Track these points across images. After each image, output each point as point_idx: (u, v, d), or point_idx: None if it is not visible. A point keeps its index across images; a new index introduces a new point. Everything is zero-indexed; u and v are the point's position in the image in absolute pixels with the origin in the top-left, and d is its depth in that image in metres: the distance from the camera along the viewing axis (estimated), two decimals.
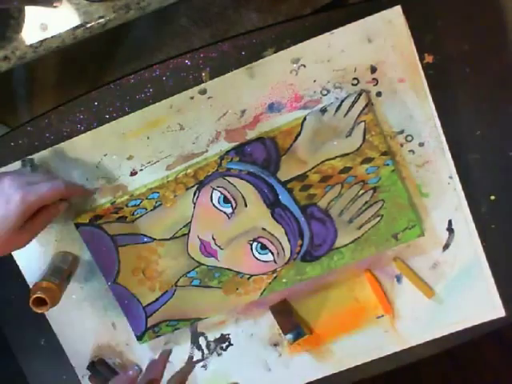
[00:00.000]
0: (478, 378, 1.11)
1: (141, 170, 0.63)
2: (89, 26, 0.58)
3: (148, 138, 0.62)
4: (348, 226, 0.62)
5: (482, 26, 0.61)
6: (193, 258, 0.64)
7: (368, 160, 0.60)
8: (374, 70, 0.60)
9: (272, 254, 0.63)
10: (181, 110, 0.62)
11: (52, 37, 0.58)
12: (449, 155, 0.63)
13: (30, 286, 0.66)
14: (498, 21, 0.61)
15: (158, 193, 0.62)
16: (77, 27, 0.58)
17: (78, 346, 0.69)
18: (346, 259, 0.63)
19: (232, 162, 0.60)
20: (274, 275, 0.64)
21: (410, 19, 0.59)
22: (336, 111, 0.59)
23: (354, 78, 0.61)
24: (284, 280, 0.64)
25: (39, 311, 0.60)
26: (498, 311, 0.68)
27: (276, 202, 0.61)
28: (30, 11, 0.57)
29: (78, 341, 0.69)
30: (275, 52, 0.60)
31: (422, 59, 0.61)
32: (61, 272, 0.64)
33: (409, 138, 0.63)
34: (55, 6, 0.57)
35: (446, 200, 0.65)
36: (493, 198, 0.65)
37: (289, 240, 0.62)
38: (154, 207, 0.62)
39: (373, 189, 0.61)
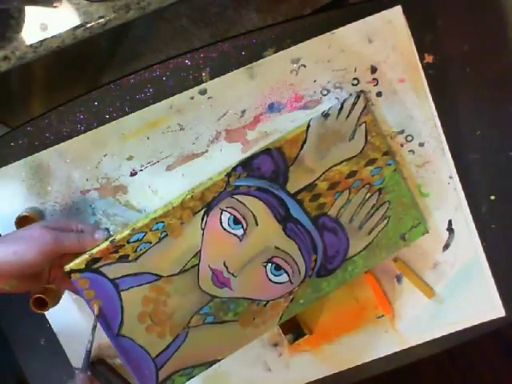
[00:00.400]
0: (477, 378, 1.12)
1: (141, 170, 0.63)
2: (89, 26, 0.58)
3: (148, 138, 0.62)
4: (359, 232, 0.60)
5: (482, 26, 0.61)
6: (205, 292, 0.58)
7: (371, 162, 0.60)
8: (374, 70, 0.60)
9: (287, 274, 0.59)
10: (181, 110, 0.62)
11: (52, 37, 0.58)
12: (449, 155, 0.63)
13: None
14: (498, 21, 0.61)
15: (162, 222, 0.56)
16: (77, 27, 0.58)
17: (78, 346, 0.69)
18: (359, 268, 0.61)
19: (240, 179, 0.57)
20: (291, 297, 0.60)
21: (410, 19, 0.59)
22: (338, 114, 0.58)
23: (354, 78, 0.61)
24: (301, 301, 0.61)
25: (39, 311, 0.60)
26: (498, 311, 0.68)
27: (287, 216, 0.58)
28: (30, 11, 0.57)
29: (78, 341, 0.69)
30: (275, 52, 0.60)
31: (422, 59, 0.61)
32: None
33: (409, 138, 0.63)
34: (55, 6, 0.57)
35: (446, 200, 0.65)
36: (493, 198, 0.65)
37: (303, 256, 0.59)
38: (160, 239, 0.57)
39: (378, 191, 0.60)
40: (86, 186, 0.64)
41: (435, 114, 0.62)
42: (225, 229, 0.57)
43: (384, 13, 0.59)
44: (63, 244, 0.53)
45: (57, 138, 0.63)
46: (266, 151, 0.57)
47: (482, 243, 0.66)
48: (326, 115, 0.58)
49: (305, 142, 0.58)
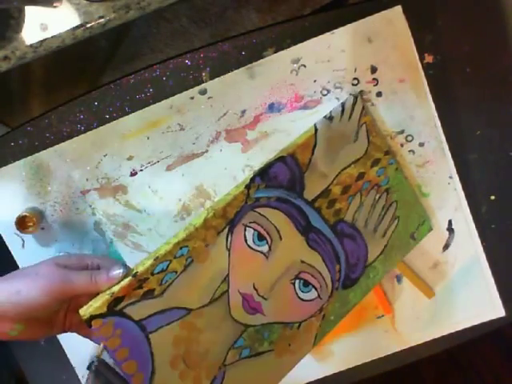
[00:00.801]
0: (478, 378, 1.12)
1: (141, 170, 0.63)
2: (89, 26, 0.58)
3: (148, 138, 0.62)
4: (374, 235, 0.60)
5: (482, 26, 0.61)
6: (237, 321, 0.54)
7: (376, 162, 0.60)
8: (374, 70, 0.60)
9: (315, 289, 0.57)
10: (181, 110, 0.62)
11: (52, 37, 0.58)
12: (449, 155, 0.63)
13: None
14: (498, 21, 0.61)
15: (187, 247, 0.51)
16: (77, 27, 0.58)
17: (78, 345, 0.69)
18: (380, 274, 0.61)
19: (259, 190, 0.55)
20: (322, 314, 0.58)
21: (410, 19, 0.59)
22: (341, 116, 0.58)
23: (355, 78, 0.61)
24: (332, 317, 0.59)
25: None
26: (498, 311, 0.68)
27: (308, 226, 0.57)
28: (30, 11, 0.57)
29: (79, 341, 0.69)
30: (275, 52, 0.60)
31: (422, 59, 0.61)
32: None
33: (409, 138, 0.63)
34: (55, 6, 0.57)
35: (446, 200, 0.65)
36: (493, 197, 0.65)
37: (327, 267, 0.58)
38: (185, 267, 0.51)
39: (385, 191, 0.60)
40: (86, 185, 0.64)
41: (435, 114, 0.62)
42: (250, 246, 0.55)
43: (384, 13, 0.59)
44: (73, 283, 0.46)
45: (57, 138, 0.63)
46: (281, 159, 0.56)
47: (482, 243, 0.66)
48: (330, 118, 0.58)
49: (315, 146, 0.57)
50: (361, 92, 0.60)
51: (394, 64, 0.60)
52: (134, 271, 0.49)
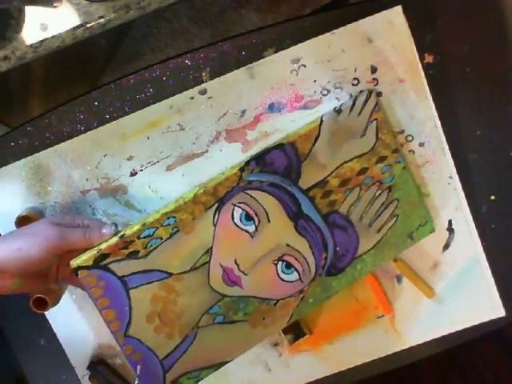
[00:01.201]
0: (478, 378, 1.11)
1: (141, 170, 0.63)
2: (89, 26, 0.58)
3: (148, 138, 0.62)
4: (368, 230, 0.60)
5: (482, 26, 0.61)
6: (215, 290, 0.57)
7: (382, 159, 0.59)
8: (374, 70, 0.60)
9: (298, 272, 0.59)
10: (181, 110, 0.62)
11: (52, 37, 0.58)
12: (449, 155, 0.63)
13: None
14: (498, 21, 0.61)
15: (174, 217, 0.54)
16: (77, 27, 0.58)
17: (78, 345, 0.69)
18: (368, 267, 0.61)
19: (253, 174, 0.56)
20: (301, 296, 0.60)
21: (411, 19, 0.59)
22: (350, 111, 0.58)
23: (355, 78, 0.61)
24: (311, 300, 0.60)
25: (39, 311, 0.60)
26: (498, 311, 0.68)
27: (299, 212, 0.58)
28: (30, 11, 0.57)
29: (78, 341, 0.69)
30: (275, 52, 0.60)
31: (422, 59, 0.61)
32: None
33: (409, 138, 0.63)
34: (55, 6, 0.57)
35: (446, 200, 0.65)
36: (493, 197, 0.65)
37: (313, 253, 0.59)
38: (171, 235, 0.55)
39: (388, 188, 0.60)
40: (86, 185, 0.64)
41: (435, 114, 0.62)
42: (237, 225, 0.57)
43: (384, 13, 0.59)
44: (68, 239, 0.51)
45: (57, 138, 0.63)
46: (280, 146, 0.56)
47: (481, 243, 0.66)
48: (338, 111, 0.58)
49: (318, 137, 0.57)
50: (374, 89, 0.60)
51: (394, 64, 0.60)
52: (122, 233, 0.54)
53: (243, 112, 0.62)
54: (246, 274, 0.58)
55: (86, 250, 0.53)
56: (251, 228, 0.57)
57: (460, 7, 0.61)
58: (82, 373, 0.70)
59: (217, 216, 0.56)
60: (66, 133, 0.63)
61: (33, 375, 0.72)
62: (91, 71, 1.16)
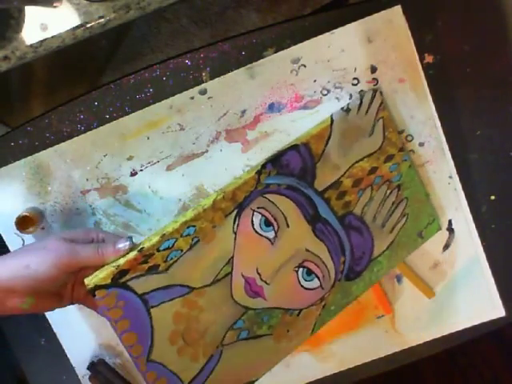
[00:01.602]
0: (478, 378, 1.12)
1: (141, 170, 0.63)
2: (89, 26, 0.58)
3: (148, 138, 0.62)
4: (381, 231, 0.60)
5: (482, 26, 0.61)
6: (238, 303, 0.55)
7: (390, 157, 0.59)
8: (374, 69, 0.60)
9: (318, 278, 0.57)
10: (181, 110, 0.62)
11: (52, 37, 0.58)
12: (449, 155, 0.63)
13: None
14: (498, 21, 0.61)
15: (194, 226, 0.51)
16: (77, 27, 0.58)
17: (78, 345, 0.69)
18: (384, 269, 0.61)
19: (270, 177, 0.54)
20: (323, 304, 0.58)
21: (410, 19, 0.59)
22: (358, 109, 0.58)
23: (355, 78, 0.61)
24: (332, 307, 0.59)
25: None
26: (498, 311, 0.68)
27: (316, 216, 0.57)
28: (30, 11, 0.57)
29: (79, 341, 0.69)
30: (275, 52, 0.60)
31: (422, 59, 0.61)
32: None
33: (409, 138, 0.63)
34: (55, 6, 0.57)
35: (446, 200, 0.65)
36: (493, 198, 0.65)
37: (332, 258, 0.58)
38: (191, 246, 0.51)
39: (397, 187, 0.60)
40: (86, 185, 0.64)
41: (435, 114, 0.62)
42: (257, 231, 0.55)
43: (384, 13, 0.59)
44: (80, 256, 0.47)
45: (57, 138, 0.63)
46: (294, 147, 0.55)
47: (481, 243, 0.66)
48: (347, 110, 0.57)
49: (330, 137, 0.57)
50: (379, 88, 0.60)
51: (393, 64, 0.60)
52: (141, 246, 0.49)
53: (243, 112, 0.62)
54: (268, 284, 0.56)
55: (100, 267, 0.49)
56: (271, 234, 0.55)
57: (460, 7, 0.61)
58: (82, 373, 0.70)
59: (237, 222, 0.54)
60: (66, 133, 0.63)
61: (33, 375, 0.72)
62: (91, 71, 1.16)
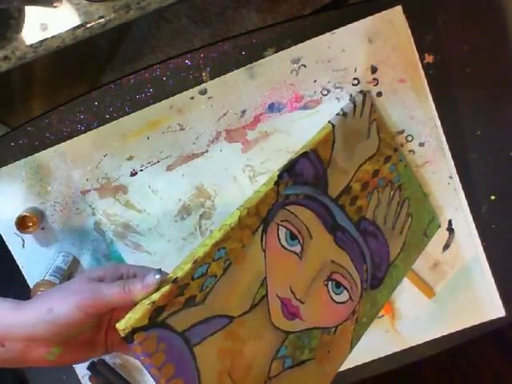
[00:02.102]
0: (477, 378, 1.12)
1: (141, 170, 0.63)
2: (89, 26, 0.58)
3: (148, 138, 0.62)
4: (393, 233, 0.60)
5: (482, 26, 0.61)
6: (278, 328, 0.50)
7: (388, 159, 0.60)
8: (374, 70, 0.60)
9: (347, 290, 0.55)
10: (181, 111, 0.62)
11: (52, 37, 0.58)
12: (449, 155, 0.63)
13: (31, 286, 0.66)
14: (498, 21, 0.61)
15: (224, 248, 0.46)
16: (77, 27, 0.58)
17: None
18: (401, 272, 0.60)
19: (288, 187, 0.52)
20: (355, 317, 0.56)
21: (411, 19, 0.59)
22: (354, 113, 0.58)
23: (355, 78, 0.61)
24: (364, 320, 0.57)
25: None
26: (498, 311, 0.68)
27: (335, 224, 0.55)
28: (30, 11, 0.57)
29: None
30: (275, 52, 0.60)
31: (422, 59, 0.61)
32: (61, 272, 0.64)
33: (409, 138, 0.63)
34: (55, 6, 0.57)
35: (446, 200, 0.65)
36: (493, 197, 0.65)
37: (356, 267, 0.56)
38: (224, 270, 0.46)
39: (398, 188, 0.60)
40: (86, 186, 0.64)
41: (435, 114, 0.62)
42: (284, 247, 0.52)
43: (384, 13, 0.59)
44: (104, 296, 0.41)
45: (57, 138, 0.63)
46: (304, 154, 0.53)
47: (482, 243, 0.66)
48: (344, 114, 0.57)
49: (334, 142, 0.56)
50: (368, 91, 0.60)
51: (394, 64, 0.60)
52: (174, 277, 0.43)
53: (243, 112, 0.62)
54: (302, 303, 0.52)
55: (131, 307, 0.41)
56: (297, 248, 0.52)
57: (460, 7, 0.61)
58: (83, 373, 0.70)
59: (264, 239, 0.50)
60: (66, 133, 0.63)
61: (33, 375, 0.72)
62: (91, 71, 1.16)
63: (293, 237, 0.52)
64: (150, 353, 0.40)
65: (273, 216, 0.50)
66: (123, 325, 0.39)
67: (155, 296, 0.41)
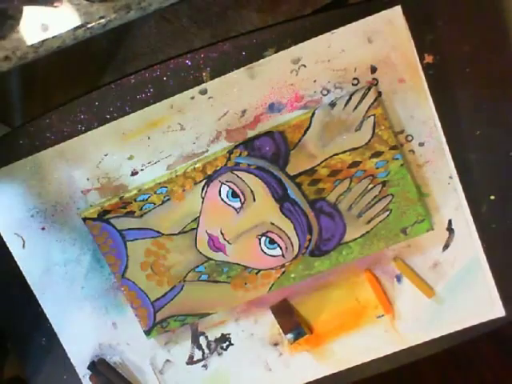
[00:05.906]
0: (477, 378, 1.11)
1: (141, 170, 0.63)
2: (89, 26, 0.58)
3: (149, 138, 0.63)
4: (357, 220, 0.62)
5: (482, 26, 0.61)
6: (201, 253, 0.63)
7: (377, 154, 0.60)
8: (374, 70, 0.61)
9: (280, 248, 0.62)
10: (181, 110, 0.62)
11: (53, 37, 0.58)
12: (449, 155, 0.63)
13: (31, 286, 0.66)
14: (498, 21, 0.61)
15: (166, 187, 0.61)
16: (77, 27, 0.58)
17: (78, 345, 0.69)
18: (354, 254, 0.63)
19: (241, 157, 0.60)
20: (283, 270, 0.64)
21: (410, 19, 0.59)
22: (345, 105, 0.59)
23: (355, 78, 0.61)
24: (292, 275, 0.64)
25: None
26: (498, 311, 0.68)
27: (285, 196, 0.61)
28: (31, 11, 0.57)
29: (79, 340, 0.69)
30: (276, 52, 0.60)
31: (422, 59, 0.61)
32: None
33: (409, 138, 0.63)
34: (56, 6, 0.57)
35: (446, 200, 0.65)
36: (493, 197, 0.65)
37: (297, 235, 0.62)
38: (163, 202, 0.62)
39: (382, 183, 0.61)
40: (87, 185, 0.64)
41: (435, 114, 0.62)
42: (223, 200, 0.61)
43: (384, 13, 0.59)
44: None
45: (57, 138, 0.63)
46: (269, 133, 0.60)
47: (482, 243, 0.66)
48: (332, 104, 0.59)
49: (308, 128, 0.60)
50: (374, 85, 0.60)
51: (393, 64, 0.60)
52: (121, 195, 0.62)
53: (243, 112, 0.62)
54: (230, 243, 0.62)
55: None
56: (237, 204, 0.61)
57: (460, 7, 0.61)
58: (83, 372, 0.70)
59: (205, 190, 0.61)
60: (66, 133, 0.63)
61: (33, 375, 0.72)
62: (91, 71, 1.16)
63: (234, 195, 0.61)
64: (95, 234, 0.63)
65: (218, 175, 0.61)
66: (81, 213, 0.63)
67: (105, 203, 0.62)
